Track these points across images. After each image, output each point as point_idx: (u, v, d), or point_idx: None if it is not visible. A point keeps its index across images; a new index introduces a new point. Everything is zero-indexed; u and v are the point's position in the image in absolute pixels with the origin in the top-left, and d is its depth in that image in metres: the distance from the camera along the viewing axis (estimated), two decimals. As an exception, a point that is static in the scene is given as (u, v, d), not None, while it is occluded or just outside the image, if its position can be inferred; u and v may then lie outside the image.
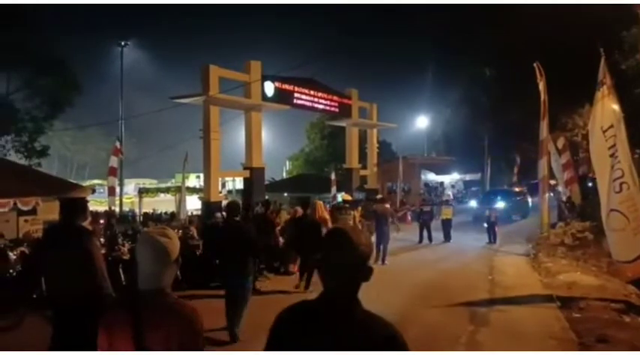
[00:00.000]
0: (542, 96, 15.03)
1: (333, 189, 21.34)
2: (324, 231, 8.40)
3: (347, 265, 1.61)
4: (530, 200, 24.30)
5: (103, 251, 7.98)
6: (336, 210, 11.74)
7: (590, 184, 18.41)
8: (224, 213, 13.72)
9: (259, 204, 13.08)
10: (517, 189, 27.20)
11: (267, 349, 1.71)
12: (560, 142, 19.46)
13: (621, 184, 7.09)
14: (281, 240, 10.65)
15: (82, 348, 2.87)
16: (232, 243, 6.03)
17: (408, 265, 11.67)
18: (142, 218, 20.59)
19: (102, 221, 13.22)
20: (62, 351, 3.23)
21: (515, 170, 31.76)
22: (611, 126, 7.38)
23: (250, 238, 6.11)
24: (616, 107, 7.48)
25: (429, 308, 7.33)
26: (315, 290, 9.02)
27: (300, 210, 10.15)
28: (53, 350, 3.41)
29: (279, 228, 10.77)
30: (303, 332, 1.62)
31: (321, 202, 10.60)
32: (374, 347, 1.56)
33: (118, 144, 18.11)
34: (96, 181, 42.55)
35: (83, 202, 3.88)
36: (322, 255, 1.66)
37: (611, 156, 7.29)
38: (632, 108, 9.43)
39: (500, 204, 20.33)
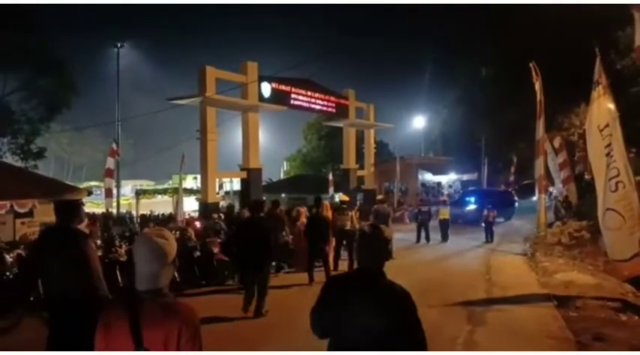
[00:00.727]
0: (539, 96, 15.09)
1: (331, 189, 21.36)
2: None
3: (378, 249, 2.49)
4: (516, 201, 23.38)
5: (100, 253, 7.99)
6: (335, 210, 11.90)
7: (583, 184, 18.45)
8: (221, 214, 13.76)
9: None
10: (501, 189, 26.85)
11: (318, 305, 2.51)
12: (557, 142, 19.55)
13: (617, 183, 7.11)
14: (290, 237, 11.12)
15: (79, 349, 2.87)
16: (257, 234, 7.07)
17: (406, 265, 11.68)
18: (139, 219, 20.53)
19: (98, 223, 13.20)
20: (62, 351, 3.22)
21: (512, 170, 31.85)
22: (607, 126, 7.41)
23: (270, 231, 7.33)
24: (612, 106, 7.51)
25: (426, 308, 7.31)
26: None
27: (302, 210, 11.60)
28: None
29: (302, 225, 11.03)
30: (347, 291, 2.42)
31: (327, 202, 11.99)
32: (396, 301, 2.41)
33: (114, 145, 18.08)
34: (93, 183, 42.49)
35: (77, 205, 3.85)
36: (360, 243, 2.52)
37: (607, 155, 7.32)
38: (628, 108, 9.47)
39: (472, 207, 19.27)
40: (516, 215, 21.98)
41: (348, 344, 2.39)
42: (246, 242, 7.18)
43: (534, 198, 23.51)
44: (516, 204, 22.84)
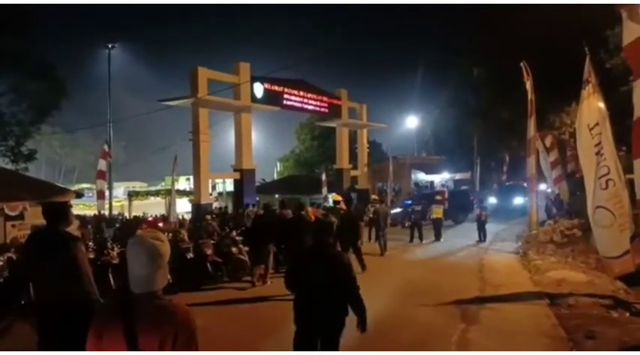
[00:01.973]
0: (530, 95, 15.19)
1: (324, 189, 21.35)
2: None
3: (325, 231, 3.92)
4: (473, 202, 22.09)
5: (92, 255, 7.93)
6: (327, 210, 12.31)
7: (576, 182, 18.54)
8: (214, 215, 13.74)
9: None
10: (461, 189, 26.12)
11: (289, 269, 4.01)
12: (549, 140, 19.68)
13: (607, 181, 7.17)
14: None
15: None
16: (295, 228, 9.05)
17: (399, 264, 11.72)
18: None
19: (89, 226, 13.11)
20: (60, 351, 3.18)
21: (505, 168, 32.03)
22: (597, 124, 7.47)
23: (309, 225, 8.83)
24: (601, 105, 7.57)
25: (420, 307, 7.36)
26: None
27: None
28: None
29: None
30: (308, 259, 3.81)
31: (309, 208, 12.54)
32: (337, 264, 3.68)
33: (106, 147, 17.96)
34: (84, 185, 42.17)
35: (65, 207, 3.80)
36: (314, 227, 4.19)
37: (597, 153, 7.38)
38: (618, 106, 9.53)
39: (418, 207, 17.12)
40: (495, 219, 18.65)
41: (307, 292, 3.70)
42: (294, 236, 8.79)
43: (518, 201, 23.40)
44: (475, 207, 20.68)
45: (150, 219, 16.18)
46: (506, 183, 29.55)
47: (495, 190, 29.90)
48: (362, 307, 3.74)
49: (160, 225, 13.18)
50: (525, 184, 19.31)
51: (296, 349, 3.73)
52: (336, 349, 3.73)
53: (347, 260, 3.77)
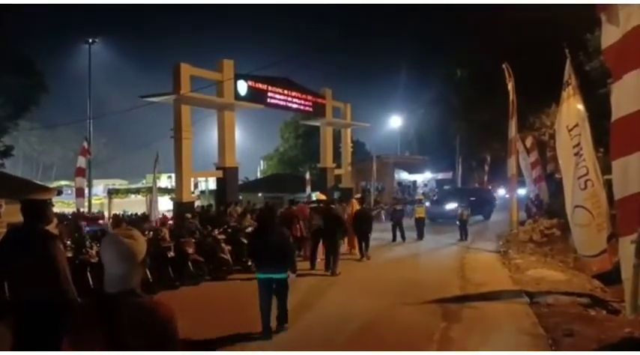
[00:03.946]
0: (511, 96, 15.40)
1: (308, 188, 21.33)
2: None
3: (272, 218, 6.76)
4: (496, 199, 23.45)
5: (70, 254, 7.76)
6: (312, 209, 12.55)
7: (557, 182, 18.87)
8: (193, 213, 13.59)
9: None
10: (484, 188, 27.26)
11: (250, 243, 7.40)
12: (529, 141, 20.00)
13: (586, 181, 7.30)
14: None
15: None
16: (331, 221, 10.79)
17: (382, 263, 11.77)
18: (110, 220, 20.07)
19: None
20: (60, 351, 3.08)
21: (486, 168, 32.45)
22: (576, 125, 7.60)
23: (342, 220, 11.30)
24: (581, 107, 7.71)
25: (402, 306, 7.40)
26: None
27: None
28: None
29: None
30: (258, 235, 6.51)
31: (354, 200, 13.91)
32: (280, 234, 6.32)
33: (85, 144, 17.65)
34: (63, 182, 41.28)
35: (45, 205, 3.67)
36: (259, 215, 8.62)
37: (576, 154, 7.51)
38: (597, 108, 9.71)
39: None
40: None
41: (261, 255, 6.05)
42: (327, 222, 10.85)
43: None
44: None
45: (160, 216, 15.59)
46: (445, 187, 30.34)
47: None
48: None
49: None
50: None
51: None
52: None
53: (287, 232, 6.67)
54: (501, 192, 29.33)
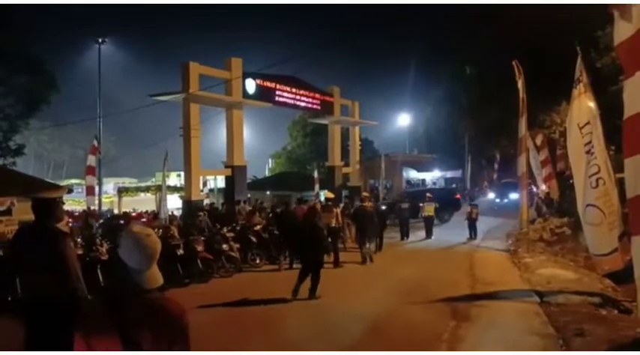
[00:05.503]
0: (521, 94, 15.23)
1: (316, 186, 21.31)
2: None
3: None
4: (460, 201, 21.96)
5: (80, 251, 7.83)
6: (321, 207, 12.27)
7: (570, 181, 18.71)
8: (205, 212, 13.65)
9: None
10: (448, 188, 26.24)
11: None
12: (539, 139, 19.81)
13: (597, 180, 7.21)
14: None
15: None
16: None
17: (390, 262, 11.73)
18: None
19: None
20: (63, 352, 3.11)
21: (496, 167, 32.27)
22: (588, 123, 7.51)
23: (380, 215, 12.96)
24: (592, 104, 7.61)
25: (411, 305, 7.37)
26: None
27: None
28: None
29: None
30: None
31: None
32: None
33: (95, 142, 17.75)
34: (73, 180, 41.70)
35: (56, 203, 3.70)
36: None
37: (588, 152, 7.42)
38: (608, 106, 9.60)
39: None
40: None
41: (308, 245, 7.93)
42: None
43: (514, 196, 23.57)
44: (462, 205, 20.27)
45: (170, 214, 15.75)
46: (502, 181, 29.85)
47: (491, 187, 30.09)
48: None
49: (143, 220, 13.08)
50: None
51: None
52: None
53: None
54: (490, 195, 28.77)
